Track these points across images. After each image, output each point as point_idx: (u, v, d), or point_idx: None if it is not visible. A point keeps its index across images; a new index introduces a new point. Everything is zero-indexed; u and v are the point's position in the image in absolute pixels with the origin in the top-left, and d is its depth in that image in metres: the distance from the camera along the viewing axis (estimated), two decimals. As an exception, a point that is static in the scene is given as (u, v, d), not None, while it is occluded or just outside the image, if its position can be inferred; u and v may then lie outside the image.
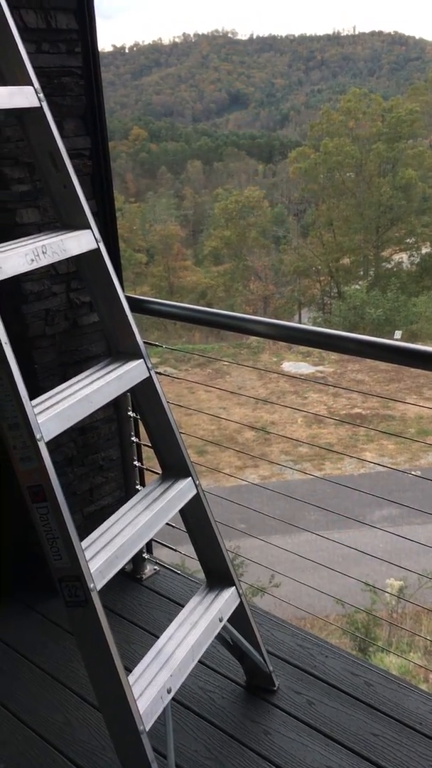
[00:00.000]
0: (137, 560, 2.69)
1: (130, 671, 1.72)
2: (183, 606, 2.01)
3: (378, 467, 15.35)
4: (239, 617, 2.09)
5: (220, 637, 2.05)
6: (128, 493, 2.71)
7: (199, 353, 21.40)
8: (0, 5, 1.79)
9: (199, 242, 40.12)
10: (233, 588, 2.06)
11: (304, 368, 20.92)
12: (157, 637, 1.89)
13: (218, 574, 2.08)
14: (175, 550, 2.71)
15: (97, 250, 1.91)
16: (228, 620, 2.02)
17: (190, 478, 1.98)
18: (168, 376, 2.65)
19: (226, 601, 2.02)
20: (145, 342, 2.01)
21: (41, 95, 1.83)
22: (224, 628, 2.01)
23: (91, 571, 1.60)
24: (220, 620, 1.99)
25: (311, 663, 2.27)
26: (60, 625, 2.47)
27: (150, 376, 1.96)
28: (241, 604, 2.08)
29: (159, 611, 2.52)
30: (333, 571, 3.12)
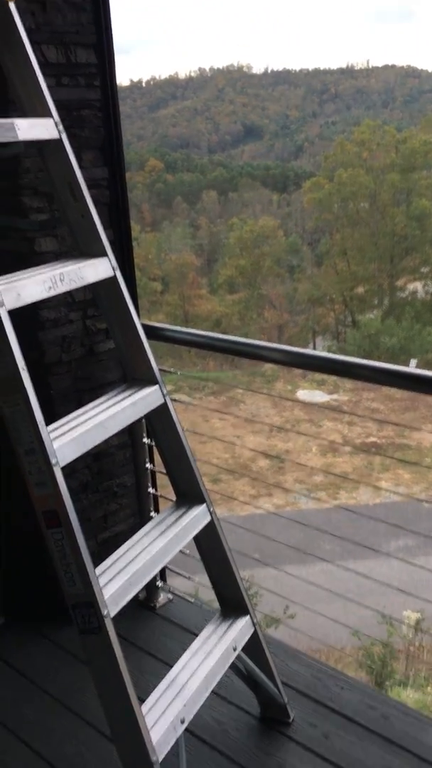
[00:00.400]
0: (150, 588, 2.68)
1: (143, 701, 1.71)
2: (196, 635, 1.99)
3: (393, 497, 15.22)
4: (254, 647, 2.07)
5: (234, 667, 2.02)
6: (142, 520, 2.70)
7: (214, 380, 21.44)
8: (23, 41, 1.85)
9: (214, 271, 40.40)
10: (248, 617, 2.04)
11: (318, 396, 20.88)
12: (171, 667, 1.87)
13: (232, 603, 2.06)
14: (189, 578, 2.69)
15: (114, 278, 1.94)
16: (242, 650, 2.00)
17: (204, 504, 1.98)
18: (182, 402, 2.66)
19: (240, 630, 2.00)
20: (160, 369, 2.02)
21: (61, 127, 1.88)
22: (238, 657, 1.99)
23: (105, 597, 1.59)
24: (234, 649, 1.97)
25: (327, 695, 2.23)
26: (72, 653, 2.45)
27: (165, 403, 1.97)
28: (255, 633, 2.06)
29: (172, 640, 2.49)
30: (348, 603, 3.08)
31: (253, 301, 35.07)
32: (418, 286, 34.07)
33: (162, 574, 2.74)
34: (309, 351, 2.30)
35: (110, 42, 2.35)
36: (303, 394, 21.12)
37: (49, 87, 1.90)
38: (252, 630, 2.04)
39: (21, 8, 2.01)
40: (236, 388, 21.24)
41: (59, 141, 1.87)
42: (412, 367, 1.99)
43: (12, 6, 1.84)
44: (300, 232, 41.47)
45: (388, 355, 24.72)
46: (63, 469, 1.59)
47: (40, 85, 1.87)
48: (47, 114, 1.87)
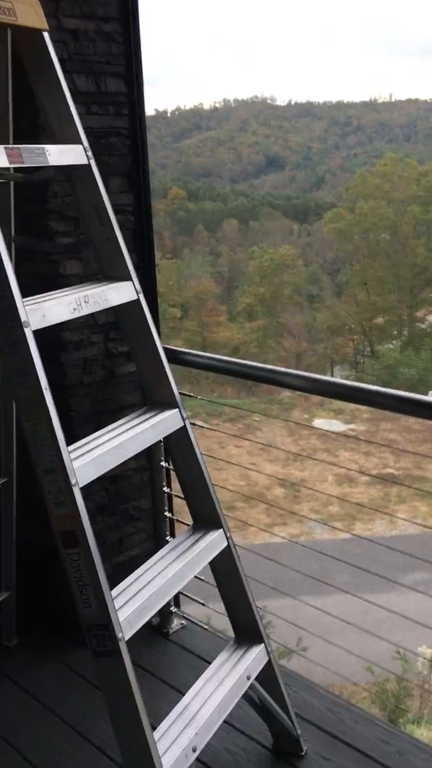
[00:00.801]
0: (164, 614, 2.66)
1: (155, 728, 1.69)
2: (209, 663, 1.97)
3: (409, 530, 15.03)
4: (267, 676, 2.04)
5: (247, 697, 2.00)
6: (158, 543, 2.69)
7: (238, 407, 21.42)
8: (55, 70, 1.89)
9: (233, 299, 40.61)
10: (262, 645, 2.02)
11: (335, 426, 20.78)
12: (183, 694, 1.85)
13: (247, 630, 2.04)
14: (203, 605, 2.67)
15: (137, 301, 1.96)
16: (256, 679, 1.97)
17: (221, 530, 1.97)
18: (201, 426, 2.66)
19: (254, 658, 1.98)
20: (179, 393, 2.03)
21: (90, 153, 1.91)
22: (252, 687, 1.97)
23: (120, 620, 1.59)
24: (248, 678, 1.94)
25: (341, 729, 2.19)
26: (84, 677, 2.43)
27: (184, 426, 1.98)
28: (269, 662, 2.03)
29: (185, 667, 2.47)
30: (363, 636, 3.03)
31: (271, 329, 35.16)
32: (437, 317, 34.00)
33: (176, 599, 2.72)
34: (328, 378, 2.30)
35: (140, 72, 2.40)
36: (320, 423, 21.03)
37: (79, 114, 1.94)
38: (266, 659, 2.02)
39: (54, 38, 2.07)
40: (253, 415, 21.20)
41: (88, 167, 1.91)
42: (431, 397, 1.99)
43: (46, 36, 1.89)
44: (320, 262, 41.64)
45: (406, 386, 24.59)
46: (81, 490, 1.60)
47: (71, 113, 1.91)
48: (77, 140, 1.91)
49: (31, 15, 1.84)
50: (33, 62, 1.91)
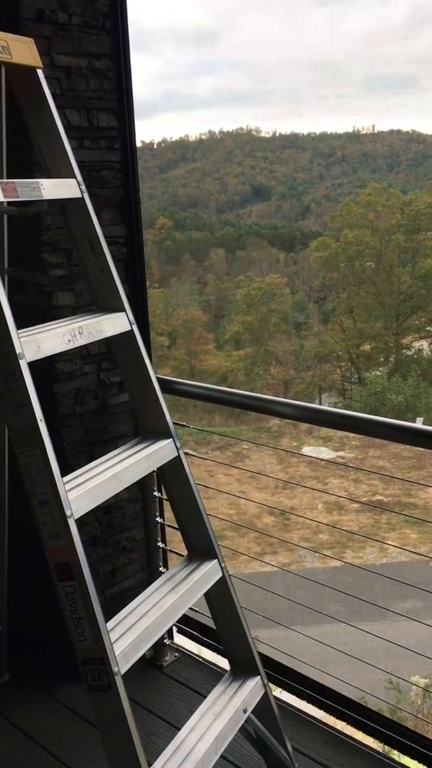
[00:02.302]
0: (158, 646, 2.63)
1: (151, 764, 1.66)
2: (204, 696, 1.94)
3: (400, 557, 14.98)
4: (264, 709, 2.02)
5: (243, 730, 1.97)
6: (151, 575, 2.67)
7: (228, 436, 21.39)
8: (49, 106, 1.92)
9: (220, 327, 40.77)
10: (258, 678, 2.00)
11: (324, 453, 20.78)
12: (178, 729, 1.83)
13: (243, 662, 2.02)
14: (199, 637, 2.64)
15: (131, 332, 1.97)
16: (252, 712, 1.95)
17: (216, 560, 1.96)
18: (194, 456, 2.66)
19: (250, 691, 1.96)
20: (173, 422, 2.03)
21: (83, 187, 1.94)
22: (248, 720, 1.94)
23: (116, 654, 1.57)
24: (244, 711, 1.92)
25: (338, 761, 2.17)
26: (77, 712, 2.39)
27: (179, 456, 1.98)
28: (265, 694, 2.01)
29: (180, 701, 2.44)
30: (355, 666, 3.01)
31: (259, 357, 35.27)
32: (424, 344, 34.28)
33: (169, 631, 2.69)
34: (318, 406, 2.31)
35: (131, 107, 2.45)
36: (309, 451, 21.03)
37: (72, 149, 1.97)
38: (263, 691, 2.00)
39: (47, 75, 2.11)
40: (242, 443, 21.18)
41: (81, 200, 1.93)
42: (418, 423, 2.01)
43: (40, 73, 1.92)
44: (306, 290, 41.97)
45: (394, 413, 24.67)
46: (76, 521, 1.59)
47: (64, 147, 1.93)
48: (71, 174, 1.93)
49: (25, 53, 1.87)
50: (27, 98, 1.94)
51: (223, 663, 2.12)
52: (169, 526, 2.60)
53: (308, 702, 2.43)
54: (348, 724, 2.36)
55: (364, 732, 2.33)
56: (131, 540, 2.65)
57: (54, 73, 2.23)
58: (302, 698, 2.45)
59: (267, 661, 2.43)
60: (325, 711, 2.40)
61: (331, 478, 19.05)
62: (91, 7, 2.29)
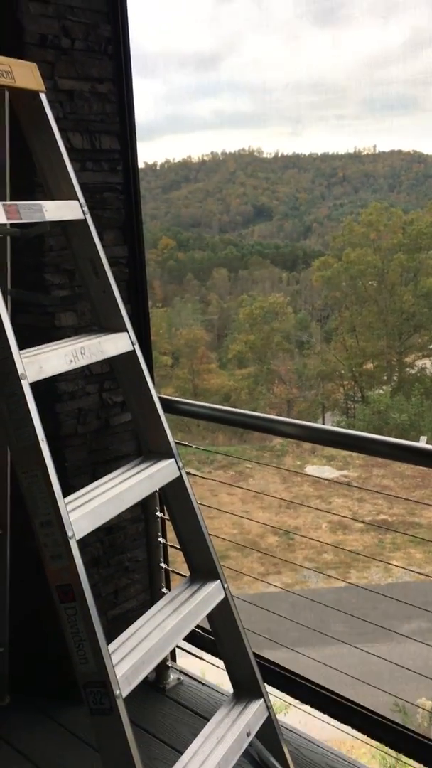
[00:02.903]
0: (160, 668, 2.61)
1: (153, 788, 1.64)
2: (207, 719, 1.93)
3: (405, 577, 14.86)
4: (267, 733, 1.99)
5: (246, 754, 1.95)
6: (153, 596, 2.66)
7: (231, 455, 21.34)
8: (51, 129, 1.94)
9: (223, 346, 40.84)
10: (261, 700, 1.98)
11: (327, 472, 20.71)
12: (181, 753, 1.81)
13: (246, 685, 2.00)
14: (200, 658, 2.62)
15: (133, 352, 1.98)
16: (255, 735, 1.93)
17: (218, 581, 1.95)
18: (196, 475, 2.66)
19: (254, 714, 1.94)
20: (175, 442, 2.03)
21: (86, 209, 1.95)
22: (251, 743, 1.92)
23: (118, 677, 1.56)
24: (248, 735, 1.90)
25: (343, 786, 2.13)
26: (78, 736, 2.37)
27: (181, 476, 1.97)
28: (269, 718, 1.99)
29: (182, 724, 2.41)
30: (360, 688, 2.97)
31: (262, 376, 35.29)
32: (426, 362, 34.29)
33: (171, 653, 2.67)
34: (320, 425, 2.31)
35: (133, 130, 2.47)
36: (312, 470, 20.96)
37: (74, 171, 1.99)
38: (266, 714, 1.98)
39: (50, 98, 2.14)
40: (245, 462, 21.12)
41: (84, 221, 1.95)
42: (422, 442, 2.00)
43: (43, 97, 1.95)
44: (309, 309, 42.07)
45: (397, 431, 24.62)
46: (78, 542, 1.59)
47: (67, 170, 1.95)
48: (73, 196, 1.95)
49: (28, 77, 1.90)
50: (30, 122, 1.96)
51: (227, 684, 2.10)
52: (171, 546, 2.59)
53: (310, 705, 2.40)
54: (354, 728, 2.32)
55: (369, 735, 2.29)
56: (133, 561, 2.63)
57: (57, 96, 2.25)
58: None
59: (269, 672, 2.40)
60: (329, 715, 2.36)
61: (335, 497, 18.97)
62: (93, 32, 2.32)
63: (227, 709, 1.95)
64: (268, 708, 2.00)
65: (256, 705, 1.96)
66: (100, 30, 2.34)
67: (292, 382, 34.69)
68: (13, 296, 2.21)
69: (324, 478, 20.00)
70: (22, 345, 1.65)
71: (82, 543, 1.61)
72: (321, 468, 21.21)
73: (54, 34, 2.22)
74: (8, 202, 1.74)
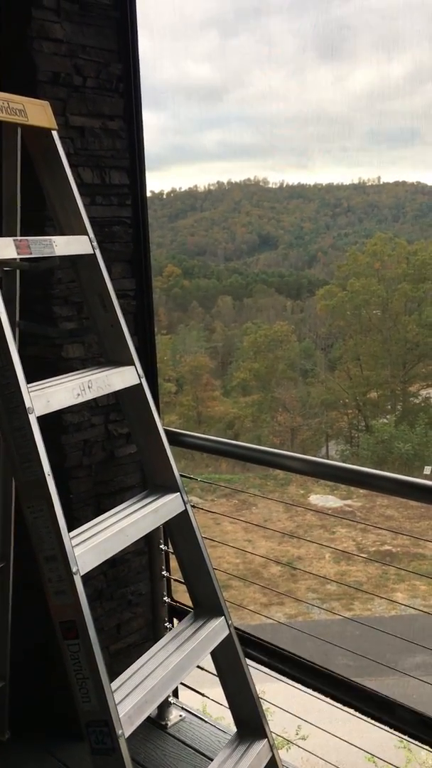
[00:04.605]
0: (162, 705, 2.57)
1: None
2: (209, 758, 1.90)
3: (410, 609, 14.67)
4: (271, 774, 1.96)
5: (249, 796, 1.91)
6: (156, 630, 2.63)
7: (231, 487, 21.25)
8: (62, 165, 1.97)
9: (228, 373, 40.88)
10: (265, 740, 1.95)
11: (331, 502, 20.59)
12: (183, 793, 1.78)
13: (250, 724, 1.98)
14: (203, 695, 2.58)
15: (140, 385, 1.98)
16: (259, 777, 1.89)
17: (222, 617, 1.93)
18: (201, 509, 2.65)
19: (257, 755, 1.91)
20: (181, 474, 2.03)
21: (95, 244, 1.98)
22: (255, 785, 1.89)
23: (120, 716, 1.54)
24: (251, 776, 1.87)
25: None
26: (79, 775, 2.33)
27: (186, 510, 1.97)
28: (272, 759, 1.96)
29: (185, 763, 2.37)
30: (363, 724, 2.92)
31: (266, 403, 35.27)
32: (431, 392, 34.26)
33: (174, 690, 2.63)
34: (324, 460, 2.30)
35: (142, 165, 2.51)
36: (316, 499, 20.84)
37: (84, 205, 2.02)
38: (270, 755, 1.95)
39: (61, 135, 2.17)
40: (248, 490, 21.02)
41: (93, 256, 1.97)
42: (427, 472, 1.99)
43: (55, 134, 1.98)
44: (313, 338, 42.16)
45: (401, 461, 24.52)
46: (82, 577, 1.58)
47: (77, 205, 1.98)
48: (83, 231, 1.97)
49: (41, 115, 1.93)
50: (42, 158, 1.99)
51: (228, 717, 2.06)
52: (175, 580, 2.57)
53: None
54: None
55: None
56: (137, 594, 2.61)
57: (68, 132, 2.29)
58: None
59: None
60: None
61: (338, 527, 18.82)
62: (104, 70, 2.36)
63: (230, 749, 1.92)
64: (272, 747, 1.97)
65: (260, 745, 1.94)
66: (111, 68, 2.38)
67: (295, 410, 34.65)
68: (21, 328, 2.23)
69: (326, 512, 19.85)
70: (30, 376, 1.66)
71: (86, 576, 1.60)
72: (325, 497, 21.09)
73: (66, 72, 2.26)
74: (19, 238, 1.76)
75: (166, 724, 2.54)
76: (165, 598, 2.62)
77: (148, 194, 2.70)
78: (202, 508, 2.79)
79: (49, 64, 2.22)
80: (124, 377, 1.94)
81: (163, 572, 2.60)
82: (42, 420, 1.63)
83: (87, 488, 2.43)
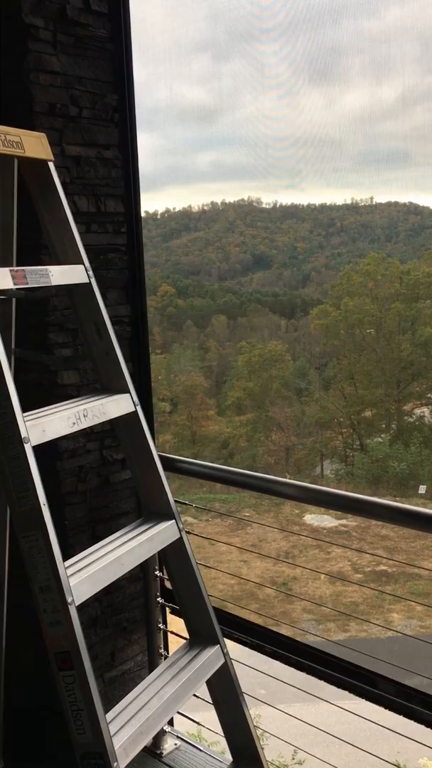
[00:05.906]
0: (158, 734, 2.54)
1: None
2: (206, 788, 1.88)
3: (406, 630, 14.59)
4: (267, 804, 1.95)
5: None
6: (151, 657, 2.61)
7: (227, 513, 21.18)
8: (58, 194, 1.99)
9: (222, 393, 40.90)
10: (261, 770, 1.94)
11: (327, 521, 20.53)
12: None
13: (245, 753, 1.97)
14: (199, 724, 2.56)
15: (135, 413, 1.99)
16: (255, 807, 1.88)
17: (218, 646, 1.93)
18: (197, 535, 2.65)
19: (253, 785, 1.89)
20: (175, 500, 2.03)
21: (90, 272, 2.00)
22: None
23: (115, 747, 1.53)
24: (247, 807, 1.85)
25: None
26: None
27: (181, 538, 1.97)
28: (268, 788, 1.95)
29: (179, 793, 2.35)
30: (361, 747, 2.90)
31: (260, 423, 35.28)
32: (425, 411, 34.34)
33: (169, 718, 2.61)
34: (320, 487, 2.29)
35: (137, 194, 2.54)
36: (311, 519, 20.79)
37: (79, 233, 2.04)
38: (265, 785, 1.93)
39: (57, 164, 2.20)
40: (243, 510, 20.95)
41: (88, 285, 1.99)
42: (422, 491, 2.00)
43: (51, 165, 2.01)
44: (307, 357, 42.28)
45: (396, 480, 24.51)
46: (76, 607, 1.58)
47: (72, 235, 2.00)
48: (78, 260, 1.99)
49: (37, 147, 1.96)
50: (38, 188, 2.01)
51: (223, 742, 2.05)
52: (170, 606, 2.56)
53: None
54: None
55: None
56: (132, 621, 2.60)
57: (64, 162, 2.32)
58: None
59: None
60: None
61: (333, 547, 18.75)
62: (100, 101, 2.40)
63: (226, 780, 1.91)
64: (268, 778, 1.95)
65: (256, 775, 1.92)
66: (106, 99, 2.42)
67: (290, 430, 34.65)
68: (17, 355, 2.24)
69: (322, 531, 19.79)
70: (25, 403, 1.66)
71: (81, 604, 1.59)
72: (320, 517, 21.03)
73: (62, 103, 2.30)
74: (16, 268, 1.78)
75: (161, 753, 2.52)
76: (160, 625, 2.61)
77: (142, 215, 2.73)
78: (198, 534, 2.79)
79: (45, 96, 2.25)
80: (119, 405, 1.95)
81: (158, 599, 2.59)
82: (37, 447, 1.63)
83: (82, 514, 2.43)
